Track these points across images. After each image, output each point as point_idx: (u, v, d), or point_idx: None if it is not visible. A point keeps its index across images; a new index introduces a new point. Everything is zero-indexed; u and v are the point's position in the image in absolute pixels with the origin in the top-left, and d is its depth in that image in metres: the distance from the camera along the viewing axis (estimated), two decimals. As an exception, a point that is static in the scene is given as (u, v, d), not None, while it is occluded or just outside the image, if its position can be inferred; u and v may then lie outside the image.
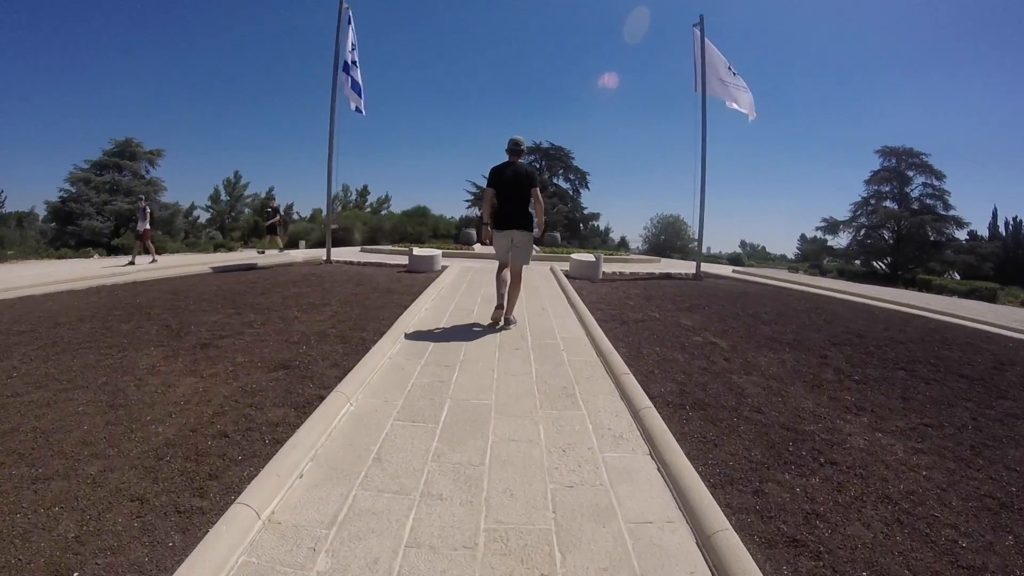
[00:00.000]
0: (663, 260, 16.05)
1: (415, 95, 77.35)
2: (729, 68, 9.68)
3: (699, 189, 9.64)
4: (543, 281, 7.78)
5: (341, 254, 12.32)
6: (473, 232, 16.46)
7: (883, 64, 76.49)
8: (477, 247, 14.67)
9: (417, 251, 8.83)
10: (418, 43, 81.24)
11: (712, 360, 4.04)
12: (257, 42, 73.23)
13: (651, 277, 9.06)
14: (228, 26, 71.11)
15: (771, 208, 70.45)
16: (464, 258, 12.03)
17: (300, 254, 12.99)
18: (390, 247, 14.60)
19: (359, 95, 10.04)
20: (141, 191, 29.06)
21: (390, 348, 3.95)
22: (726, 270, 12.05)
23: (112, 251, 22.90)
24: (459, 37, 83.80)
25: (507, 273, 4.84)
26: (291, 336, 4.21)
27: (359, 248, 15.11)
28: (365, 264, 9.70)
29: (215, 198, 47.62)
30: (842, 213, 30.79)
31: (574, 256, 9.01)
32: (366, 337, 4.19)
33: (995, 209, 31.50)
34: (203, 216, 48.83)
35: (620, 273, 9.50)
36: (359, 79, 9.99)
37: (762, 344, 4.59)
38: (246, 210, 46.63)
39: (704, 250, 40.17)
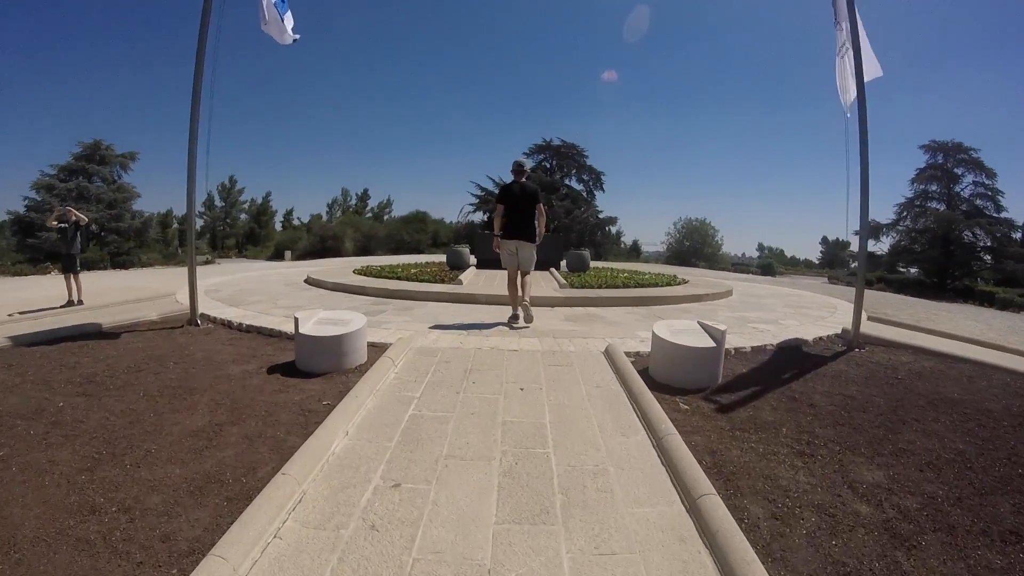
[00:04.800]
0: (731, 287, 9.12)
1: (421, 95, 72.68)
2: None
3: (859, 181, 4.69)
4: (607, 448, 2.70)
5: (270, 286, 6.93)
6: (466, 250, 10.50)
7: (898, 59, 71.22)
8: (470, 275, 8.63)
9: (309, 326, 3.56)
10: (431, 44, 76.48)
11: None
12: (250, 36, 68.83)
13: (799, 369, 3.90)
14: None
15: (788, 208, 65.00)
16: (441, 303, 6.45)
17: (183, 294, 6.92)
18: (353, 276, 8.62)
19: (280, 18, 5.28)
20: (110, 198, 24.58)
21: None
22: (877, 328, 6.35)
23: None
24: (472, 36, 79.00)
25: (518, 279, 5.15)
26: None
27: (306, 277, 8.80)
28: (249, 330, 4.82)
29: (209, 204, 43.07)
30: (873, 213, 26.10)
31: (661, 334, 3.56)
32: None
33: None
34: (197, 223, 44.58)
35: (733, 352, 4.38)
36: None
37: None
38: (243, 216, 42.17)
39: (722, 252, 34.00)
